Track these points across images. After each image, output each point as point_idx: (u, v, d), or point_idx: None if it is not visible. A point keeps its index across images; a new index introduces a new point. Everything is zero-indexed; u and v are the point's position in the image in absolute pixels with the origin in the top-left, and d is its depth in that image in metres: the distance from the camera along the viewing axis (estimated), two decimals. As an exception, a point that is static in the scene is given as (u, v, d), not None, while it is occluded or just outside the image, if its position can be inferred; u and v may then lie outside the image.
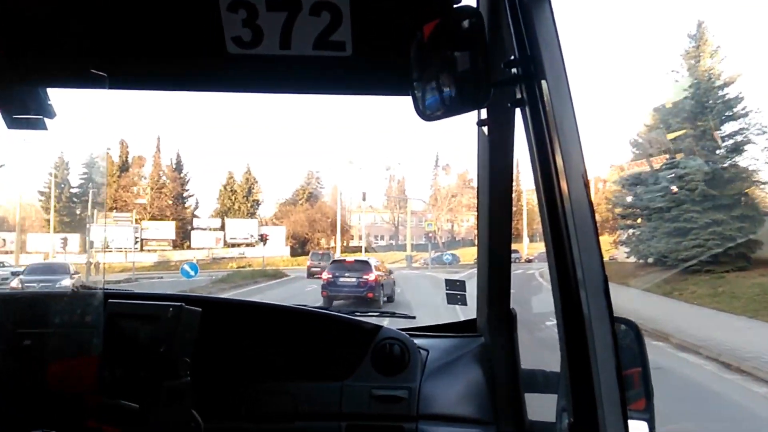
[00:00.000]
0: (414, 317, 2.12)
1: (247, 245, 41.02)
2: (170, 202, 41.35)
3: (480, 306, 1.73)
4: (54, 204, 37.17)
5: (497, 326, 1.63)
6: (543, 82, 0.89)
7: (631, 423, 0.84)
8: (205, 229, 41.41)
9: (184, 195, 43.33)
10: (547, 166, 0.89)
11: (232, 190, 44.60)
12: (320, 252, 32.46)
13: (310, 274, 26.30)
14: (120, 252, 36.44)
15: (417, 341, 1.73)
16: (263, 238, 37.45)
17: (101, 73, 1.33)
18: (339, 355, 1.69)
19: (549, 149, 0.88)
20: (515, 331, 1.61)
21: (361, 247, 43.72)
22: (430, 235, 37.74)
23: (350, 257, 20.41)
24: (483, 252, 1.64)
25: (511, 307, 1.63)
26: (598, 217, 0.93)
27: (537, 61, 0.90)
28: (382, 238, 49.40)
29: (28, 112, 1.51)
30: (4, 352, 1.39)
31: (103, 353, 1.35)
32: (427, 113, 1.08)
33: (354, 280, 14.81)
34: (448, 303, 2.46)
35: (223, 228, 41.18)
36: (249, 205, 44.33)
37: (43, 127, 1.56)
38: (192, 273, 19.07)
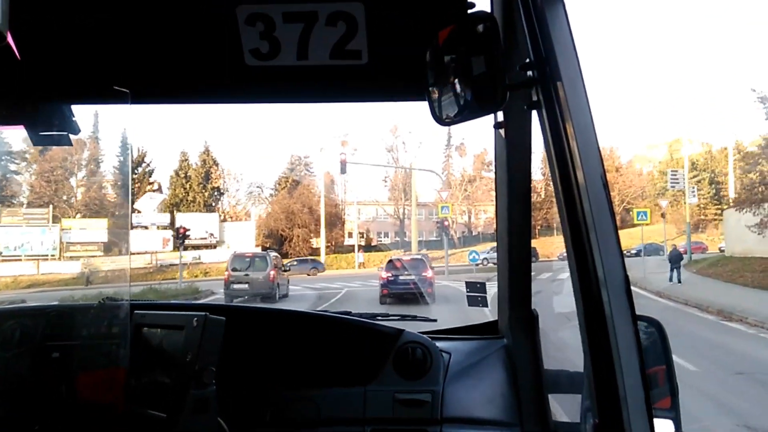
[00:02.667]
0: (435, 320, 2.60)
1: (205, 247, 40.14)
2: (105, 194, 40.66)
3: (501, 307, 2.19)
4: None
5: (519, 327, 2.09)
6: (558, 83, 1.13)
7: (656, 422, 1.04)
8: (147, 227, 40.22)
9: (126, 184, 42.06)
10: (565, 167, 1.12)
11: (185, 177, 43.37)
12: (247, 255, 24.81)
13: (230, 295, 21.67)
14: (31, 260, 35.75)
15: (439, 344, 2.19)
16: (180, 233, 33.00)
17: (123, 89, 1.75)
18: (361, 359, 2.16)
19: (567, 151, 1.12)
20: (537, 331, 2.07)
21: (354, 246, 43.47)
22: (446, 224, 36.88)
23: (407, 255, 23.91)
24: (503, 253, 2.09)
25: (532, 308, 2.09)
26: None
27: (552, 64, 1.15)
28: (387, 234, 49.25)
29: (53, 128, 1.96)
30: (34, 365, 1.84)
31: (130, 363, 1.78)
32: (443, 118, 1.42)
33: (413, 276, 18.53)
34: (469, 305, 2.91)
35: (173, 225, 39.77)
36: (206, 194, 43.40)
37: (68, 143, 2.02)
38: None
